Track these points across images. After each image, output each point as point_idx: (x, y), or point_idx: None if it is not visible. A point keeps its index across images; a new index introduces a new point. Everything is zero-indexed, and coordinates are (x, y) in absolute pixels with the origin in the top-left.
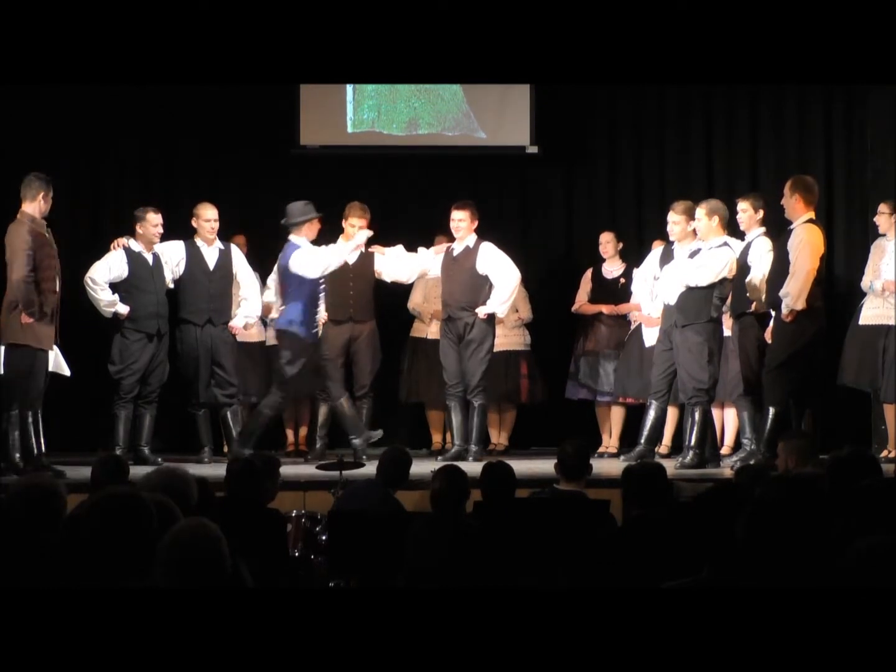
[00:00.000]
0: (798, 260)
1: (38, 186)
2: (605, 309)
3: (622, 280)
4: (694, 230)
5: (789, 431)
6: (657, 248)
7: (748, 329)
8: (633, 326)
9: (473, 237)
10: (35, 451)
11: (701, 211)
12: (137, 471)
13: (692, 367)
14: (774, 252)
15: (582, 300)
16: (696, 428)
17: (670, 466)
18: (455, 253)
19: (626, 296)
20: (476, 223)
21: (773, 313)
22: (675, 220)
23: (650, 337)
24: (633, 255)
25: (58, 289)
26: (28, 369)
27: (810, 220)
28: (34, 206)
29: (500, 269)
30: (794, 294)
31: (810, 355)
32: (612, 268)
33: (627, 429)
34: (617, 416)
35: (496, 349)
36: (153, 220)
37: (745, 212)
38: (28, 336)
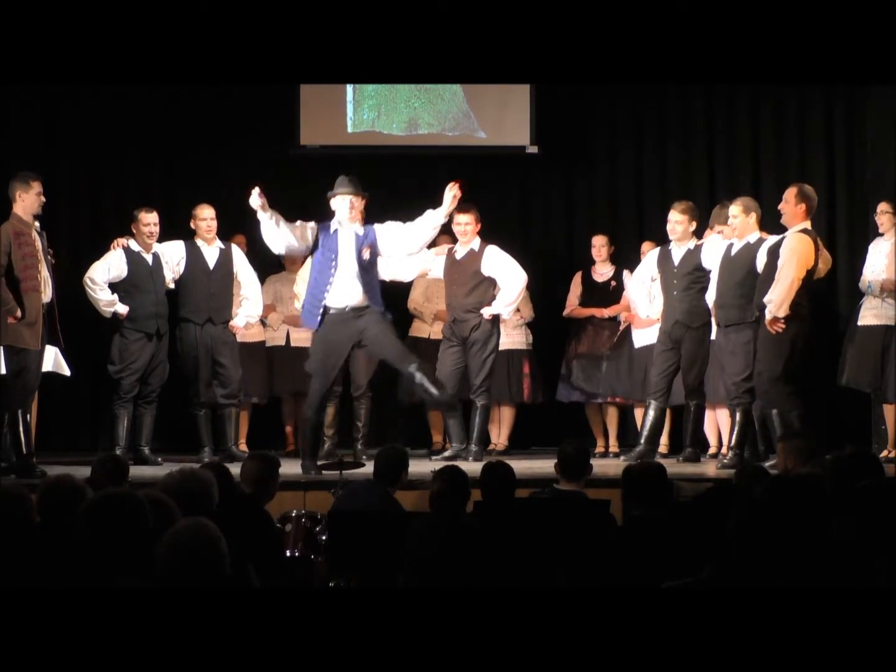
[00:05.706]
0: (784, 268)
1: (16, 186)
2: (597, 313)
3: (613, 282)
4: (693, 231)
5: (789, 431)
6: (652, 251)
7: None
8: (622, 327)
9: (478, 240)
10: (24, 450)
11: (737, 208)
12: (137, 471)
13: (737, 369)
14: (767, 257)
15: (573, 303)
16: (737, 429)
17: (670, 466)
18: (458, 256)
19: (617, 298)
20: (479, 225)
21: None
22: (677, 220)
23: (639, 338)
24: (632, 256)
25: (44, 289)
26: (15, 369)
27: (804, 230)
28: (17, 205)
29: (507, 272)
30: (776, 301)
31: (802, 358)
32: (603, 270)
33: (622, 429)
34: (612, 416)
35: (498, 348)
36: (144, 220)
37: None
38: (9, 336)
